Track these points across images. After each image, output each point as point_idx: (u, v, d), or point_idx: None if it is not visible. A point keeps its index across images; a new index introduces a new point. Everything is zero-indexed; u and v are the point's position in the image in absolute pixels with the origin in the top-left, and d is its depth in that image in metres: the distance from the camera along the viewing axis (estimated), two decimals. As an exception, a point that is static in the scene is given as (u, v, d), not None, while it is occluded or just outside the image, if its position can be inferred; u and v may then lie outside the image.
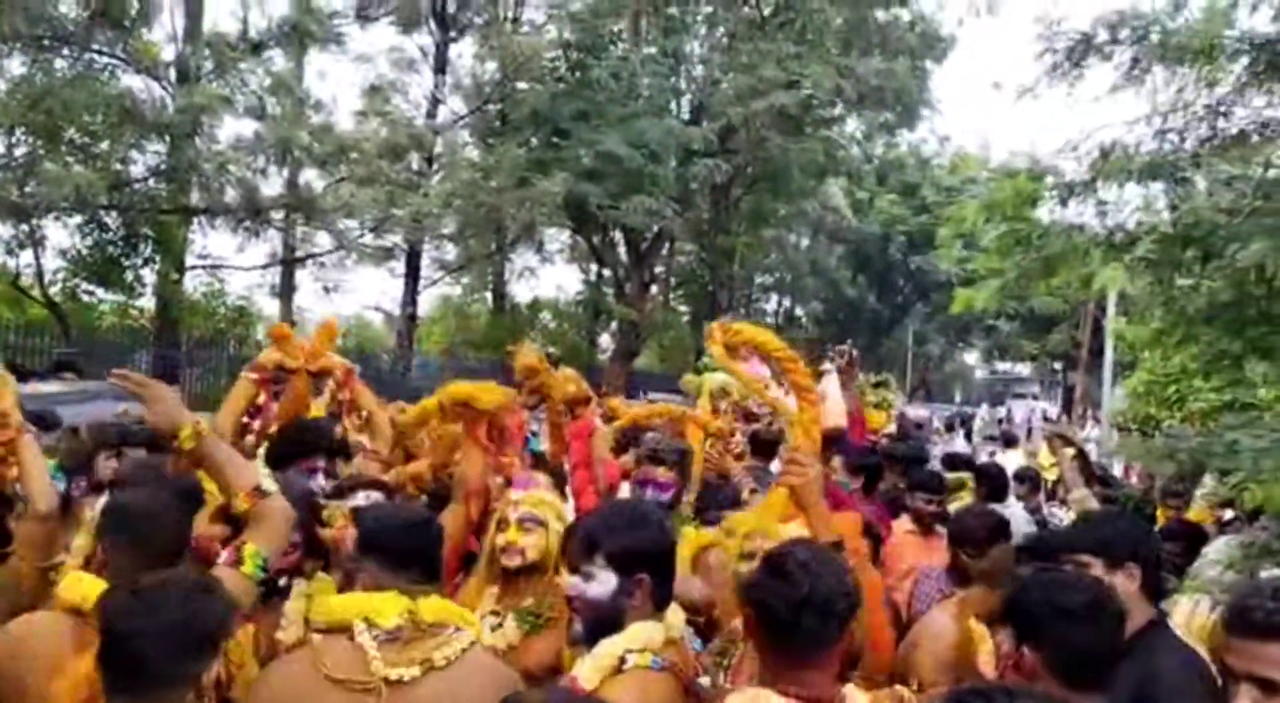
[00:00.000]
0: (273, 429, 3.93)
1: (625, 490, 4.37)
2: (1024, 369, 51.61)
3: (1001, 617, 2.35)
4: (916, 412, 23.35)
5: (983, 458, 11.81)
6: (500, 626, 2.98)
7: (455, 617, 2.28)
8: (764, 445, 6.06)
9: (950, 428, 23.66)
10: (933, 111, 28.75)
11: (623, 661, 2.20)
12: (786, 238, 35.56)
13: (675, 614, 2.39)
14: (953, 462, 7.90)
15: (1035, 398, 47.97)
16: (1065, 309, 30.09)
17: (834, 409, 12.71)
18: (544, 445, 5.04)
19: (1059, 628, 2.19)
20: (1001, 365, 54.41)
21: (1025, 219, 5.78)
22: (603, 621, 2.27)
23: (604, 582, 2.26)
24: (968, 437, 23.16)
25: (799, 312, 46.06)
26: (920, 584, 4.36)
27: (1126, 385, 15.34)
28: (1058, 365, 41.78)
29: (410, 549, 2.31)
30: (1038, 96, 5.43)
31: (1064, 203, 5.75)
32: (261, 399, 4.04)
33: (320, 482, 3.50)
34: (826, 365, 13.27)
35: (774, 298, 45.16)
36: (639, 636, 2.23)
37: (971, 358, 59.10)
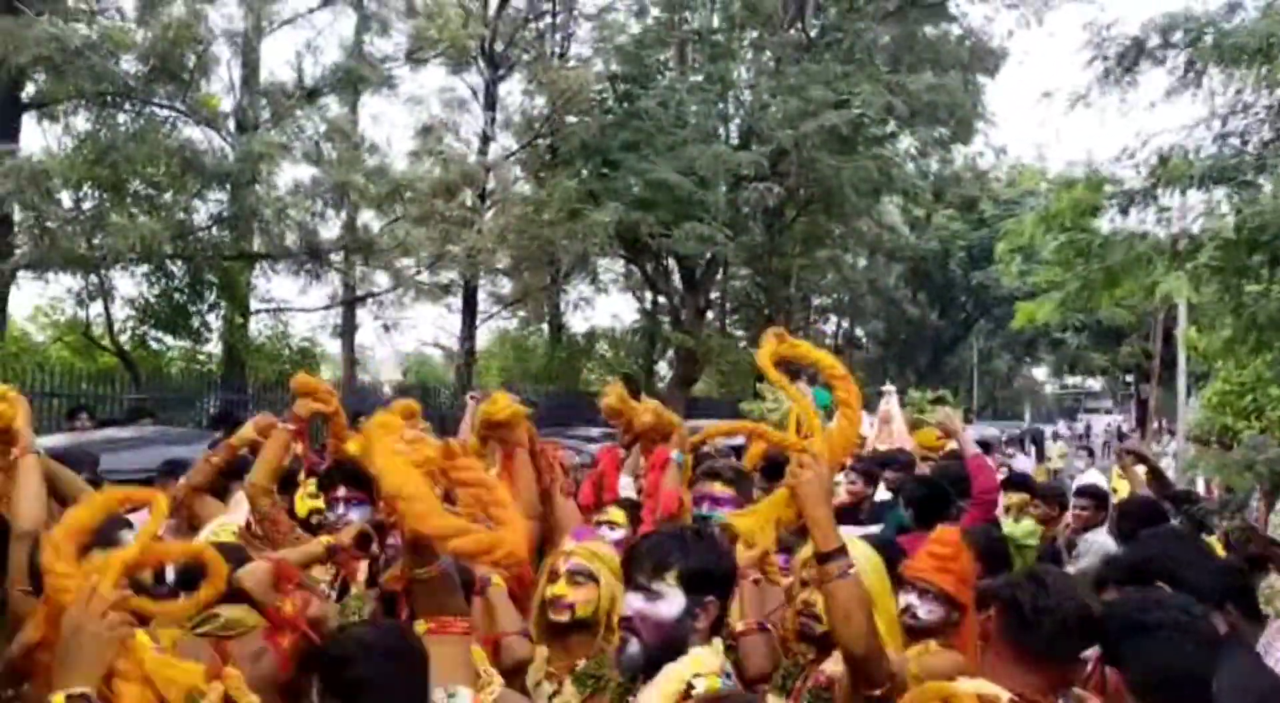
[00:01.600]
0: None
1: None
2: (1095, 383, 50.56)
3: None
4: (984, 431, 22.89)
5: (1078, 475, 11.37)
6: (559, 692, 2.82)
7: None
8: (775, 468, 5.50)
9: (1019, 444, 23.01)
10: (987, 124, 28.41)
11: (690, 687, 2.12)
12: (843, 258, 35.23)
13: (718, 640, 2.34)
14: (1011, 482, 7.66)
15: (1108, 412, 46.96)
16: (1133, 320, 29.40)
17: (899, 431, 12.45)
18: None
19: (1141, 647, 2.09)
20: (1071, 380, 53.30)
21: (1085, 229, 5.65)
22: (667, 644, 2.19)
23: (673, 602, 2.20)
24: (1039, 455, 22.59)
25: (859, 332, 45.61)
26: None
27: (1202, 397, 14.90)
28: (1129, 378, 40.80)
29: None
30: (1089, 104, 5.32)
31: (1124, 211, 5.62)
32: (299, 448, 4.11)
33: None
34: (888, 386, 13.06)
35: (833, 319, 44.78)
36: (705, 661, 2.17)
37: (1040, 373, 58.00)
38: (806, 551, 2.76)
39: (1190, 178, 5.16)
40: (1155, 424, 26.95)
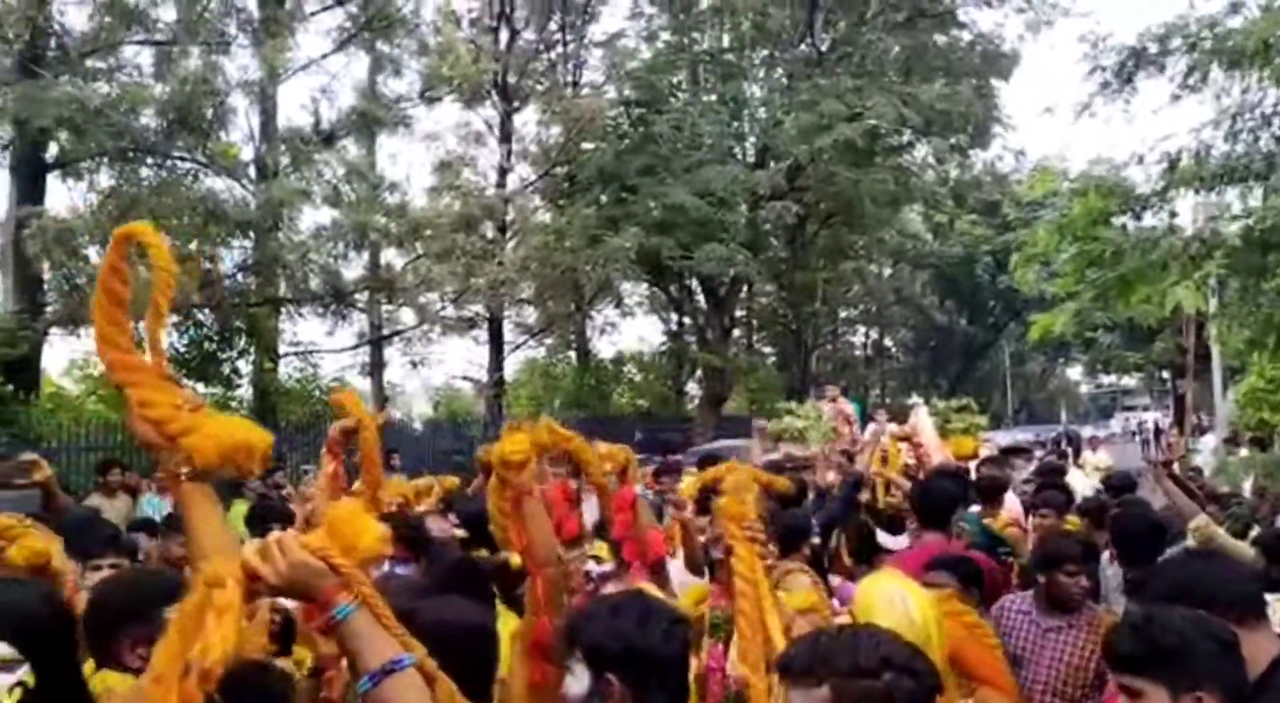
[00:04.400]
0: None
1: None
2: (1130, 381, 49.85)
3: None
4: (1018, 435, 22.55)
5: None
6: None
7: None
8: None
9: (1055, 448, 22.48)
10: (1005, 128, 28.31)
11: None
12: (867, 269, 35.16)
13: None
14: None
15: (1146, 409, 46.28)
16: (1165, 316, 28.99)
17: (932, 445, 12.26)
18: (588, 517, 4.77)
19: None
20: (1106, 379, 52.63)
21: (1097, 238, 5.62)
22: None
23: (580, 680, 2.02)
24: (1076, 458, 22.15)
25: (888, 342, 45.37)
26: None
27: (1237, 392, 14.69)
28: (1165, 374, 40.25)
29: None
30: (1094, 114, 5.31)
31: (1137, 217, 5.58)
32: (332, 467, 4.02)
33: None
34: (915, 398, 12.96)
35: (860, 330, 44.60)
36: None
37: (1074, 374, 57.33)
38: (799, 599, 2.75)
39: (1201, 180, 5.12)
40: (1194, 420, 26.55)
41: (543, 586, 3.07)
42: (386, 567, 3.62)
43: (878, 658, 1.66)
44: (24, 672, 1.88)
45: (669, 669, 2.05)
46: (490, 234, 20.52)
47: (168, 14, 15.37)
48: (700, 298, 26.22)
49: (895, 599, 2.40)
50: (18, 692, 1.85)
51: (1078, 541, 4.14)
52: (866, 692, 1.63)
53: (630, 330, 77.19)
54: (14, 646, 1.89)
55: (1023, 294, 36.76)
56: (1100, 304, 5.37)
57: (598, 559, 3.76)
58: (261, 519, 4.86)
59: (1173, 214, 5.15)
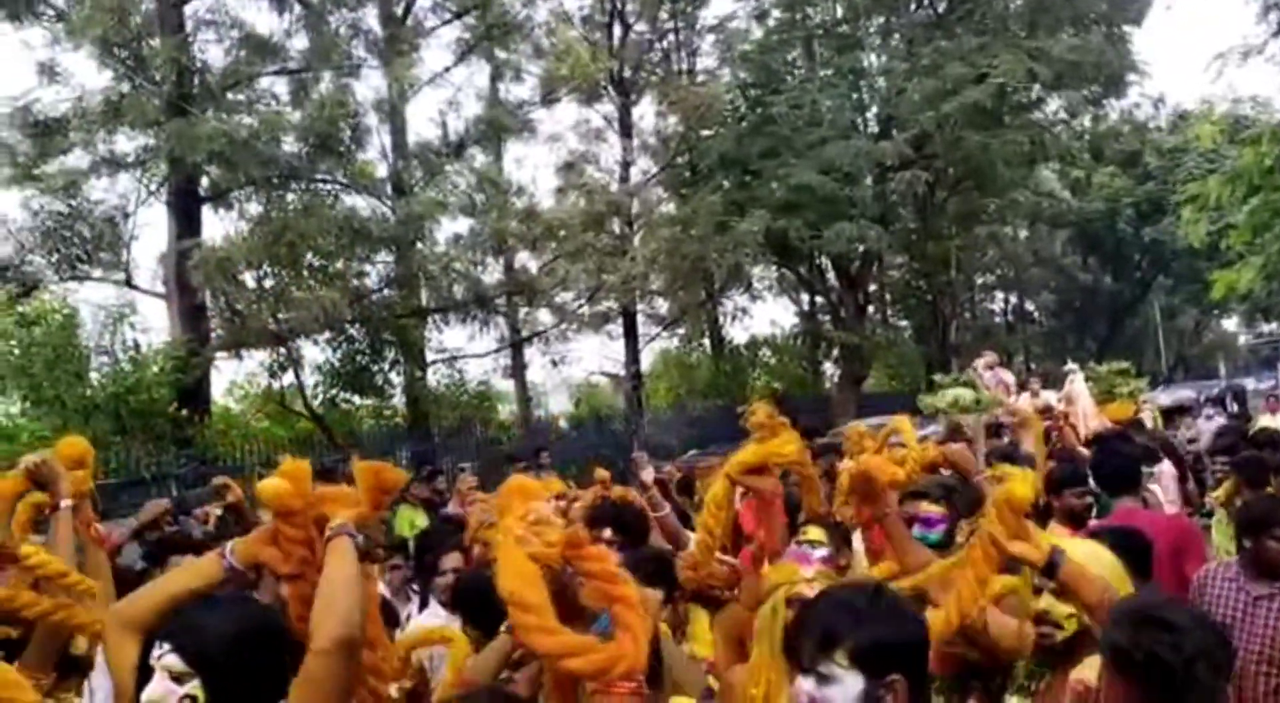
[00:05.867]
0: None
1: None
2: (1294, 328, 46.88)
3: None
4: (1178, 393, 21.32)
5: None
6: None
7: None
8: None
9: (1220, 404, 21.10)
10: (1141, 75, 26.92)
11: None
12: (1002, 233, 34.01)
13: None
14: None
15: (1313, 357, 43.43)
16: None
17: (1085, 410, 11.76)
18: None
19: None
20: (1267, 327, 49.59)
21: (1278, 187, 5.30)
22: None
23: (848, 686, 1.83)
24: (1243, 414, 20.84)
25: (1029, 306, 43.85)
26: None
27: None
28: (1335, 318, 37.76)
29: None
30: (1268, 56, 5.00)
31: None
32: None
33: None
34: (1070, 365, 12.48)
35: (999, 296, 43.21)
36: None
37: (1230, 325, 54.23)
38: None
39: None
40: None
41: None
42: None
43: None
44: (194, 685, 1.87)
45: (928, 655, 1.98)
46: (618, 230, 20.69)
47: (299, 43, 16.06)
48: (831, 276, 25.84)
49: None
50: None
51: (1287, 502, 3.91)
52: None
53: (762, 314, 76.72)
54: (184, 660, 1.87)
55: (1171, 245, 35.03)
56: (1290, 257, 5.05)
57: (813, 544, 3.67)
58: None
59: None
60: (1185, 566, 4.29)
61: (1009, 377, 12.95)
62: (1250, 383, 28.07)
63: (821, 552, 3.62)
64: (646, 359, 25.37)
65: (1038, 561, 2.43)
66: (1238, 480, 5.82)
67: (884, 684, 1.82)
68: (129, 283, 15.55)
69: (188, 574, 2.24)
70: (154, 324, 16.02)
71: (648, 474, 4.70)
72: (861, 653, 1.83)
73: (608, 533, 3.68)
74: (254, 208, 16.27)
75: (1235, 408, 20.99)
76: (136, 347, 14.85)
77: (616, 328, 22.55)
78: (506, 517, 1.75)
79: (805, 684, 1.88)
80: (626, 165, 22.58)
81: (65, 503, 2.87)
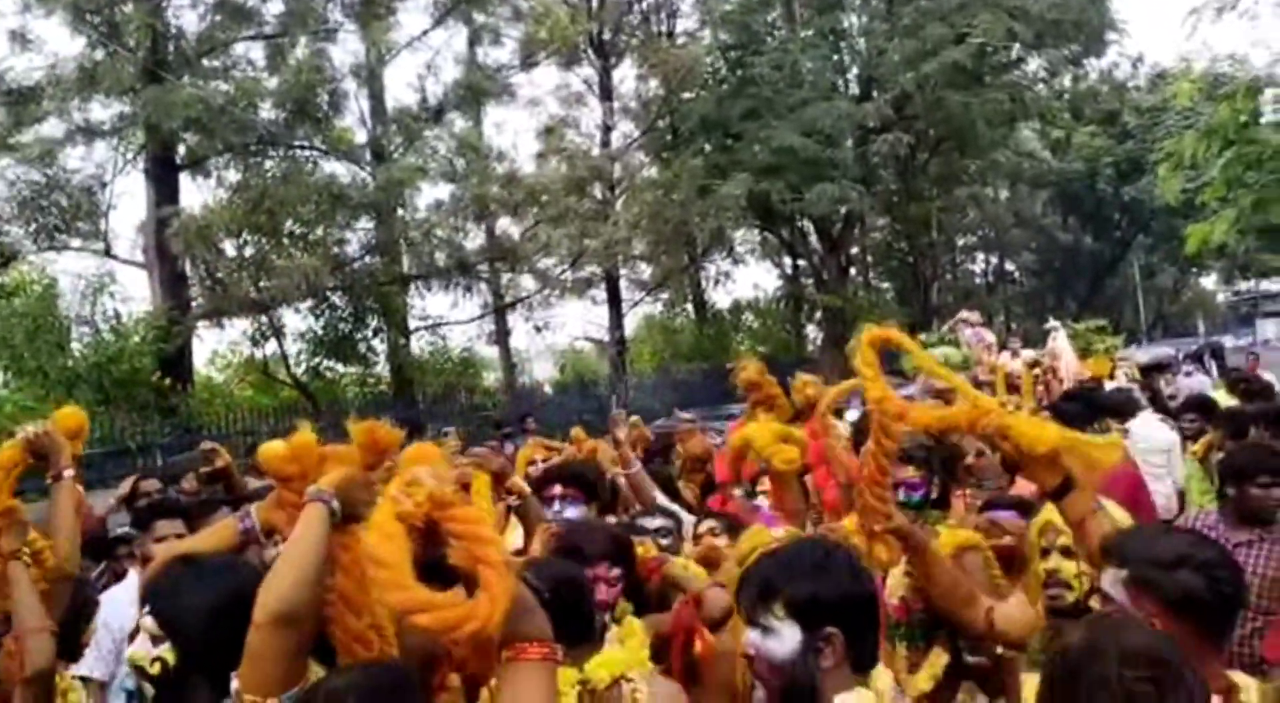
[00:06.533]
0: None
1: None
2: (1272, 285, 47.15)
3: None
4: (1156, 351, 21.49)
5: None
6: None
7: (623, 668, 2.25)
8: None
9: (1198, 361, 21.21)
10: (1120, 34, 26.89)
11: None
12: (983, 193, 34.07)
13: (883, 678, 2.01)
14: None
15: (1292, 313, 43.78)
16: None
17: (1070, 365, 11.89)
18: None
19: None
20: (1244, 284, 49.96)
21: (1252, 141, 5.37)
22: (791, 689, 1.86)
23: (785, 638, 1.85)
24: (1221, 370, 20.99)
25: (1009, 266, 44.02)
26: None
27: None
28: (1312, 275, 38.07)
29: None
30: (1242, 11, 5.05)
31: (1291, 114, 5.32)
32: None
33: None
34: (1052, 322, 12.56)
35: (980, 257, 43.35)
36: None
37: (1209, 283, 54.62)
38: (1043, 516, 2.65)
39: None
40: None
41: None
42: (556, 506, 3.76)
43: (1175, 555, 1.90)
44: (166, 648, 1.94)
45: (874, 612, 2.00)
46: (600, 194, 20.63)
47: (274, 7, 15.87)
48: (813, 239, 25.88)
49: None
50: (157, 665, 1.92)
51: (1272, 451, 3.96)
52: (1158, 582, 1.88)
53: (745, 278, 76.68)
54: (159, 624, 1.94)
55: (1150, 204, 35.16)
56: (1261, 208, 5.12)
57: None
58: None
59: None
60: (1139, 515, 4.37)
61: (990, 336, 13.02)
62: (1229, 340, 28.37)
63: None
64: (630, 324, 25.43)
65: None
66: (1218, 434, 5.88)
67: (821, 637, 1.84)
68: (108, 252, 15.46)
69: (212, 538, 2.27)
70: (134, 294, 15.99)
71: (621, 432, 4.79)
72: (797, 605, 1.85)
73: (557, 489, 3.77)
74: (232, 175, 16.17)
75: (1214, 365, 21.16)
76: (117, 316, 14.81)
77: (600, 293, 22.54)
78: (395, 480, 1.80)
79: (751, 636, 1.91)
80: (607, 129, 22.45)
81: (68, 473, 2.87)
